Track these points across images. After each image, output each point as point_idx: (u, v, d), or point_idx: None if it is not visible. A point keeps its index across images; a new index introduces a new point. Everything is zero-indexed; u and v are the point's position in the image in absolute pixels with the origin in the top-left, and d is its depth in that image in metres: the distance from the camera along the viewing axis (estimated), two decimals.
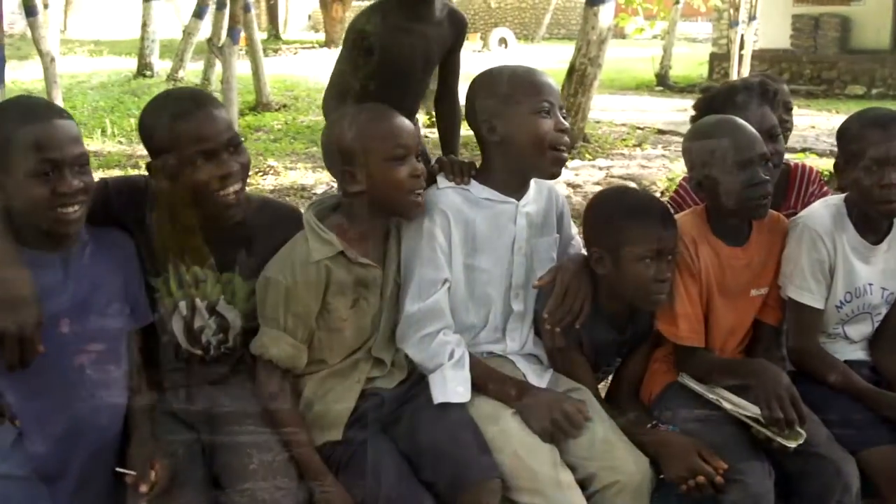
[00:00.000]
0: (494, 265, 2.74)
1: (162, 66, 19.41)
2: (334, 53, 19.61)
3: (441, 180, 2.76)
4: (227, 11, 12.46)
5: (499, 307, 2.77)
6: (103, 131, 12.50)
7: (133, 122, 12.69)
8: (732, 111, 3.04)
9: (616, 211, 2.69)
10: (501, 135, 2.67)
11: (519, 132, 2.65)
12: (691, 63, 21.86)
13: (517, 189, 2.76)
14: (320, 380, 2.60)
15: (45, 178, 2.23)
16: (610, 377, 3.02)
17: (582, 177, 9.67)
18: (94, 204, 2.38)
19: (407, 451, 2.52)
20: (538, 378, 2.73)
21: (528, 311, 2.81)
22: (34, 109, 2.29)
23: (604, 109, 14.93)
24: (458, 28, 3.28)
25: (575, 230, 3.03)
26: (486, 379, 2.63)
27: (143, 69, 19.31)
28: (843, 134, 2.90)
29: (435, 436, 2.48)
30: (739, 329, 2.89)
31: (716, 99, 3.22)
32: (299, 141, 12.28)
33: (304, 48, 27.65)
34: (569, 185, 9.31)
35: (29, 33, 11.07)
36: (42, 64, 11.51)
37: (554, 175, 2.73)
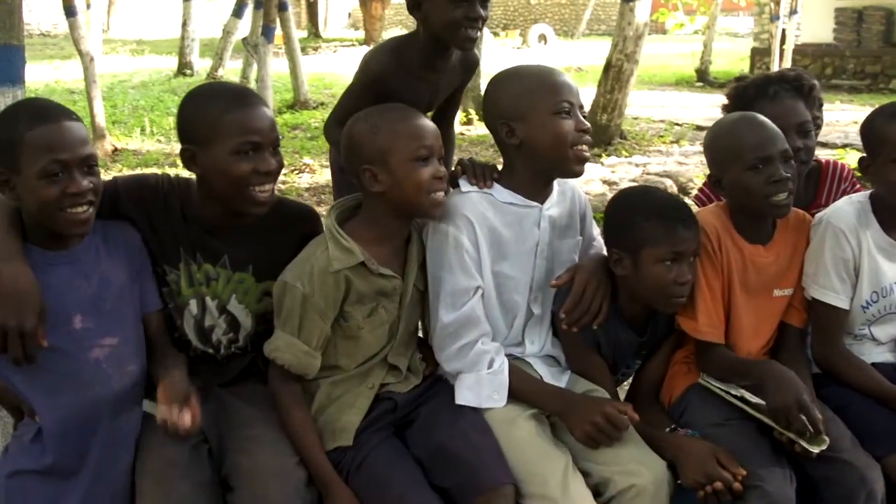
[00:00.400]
0: (520, 271, 2.70)
1: (202, 65, 19.59)
2: None
3: (463, 184, 2.71)
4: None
5: (523, 312, 2.74)
6: (142, 130, 12.61)
7: (171, 121, 12.83)
8: (764, 102, 3.00)
9: (636, 211, 2.64)
10: (521, 137, 2.62)
11: (539, 134, 2.60)
12: (733, 58, 21.65)
13: (540, 192, 2.72)
14: (333, 384, 2.57)
15: (54, 178, 2.25)
16: (630, 379, 2.97)
17: (618, 174, 9.60)
18: (103, 202, 2.39)
19: (419, 455, 2.49)
20: (556, 380, 2.69)
21: (547, 313, 2.77)
22: (44, 111, 2.30)
23: (642, 106, 14.85)
24: (469, 70, 3.20)
25: (597, 231, 2.98)
26: (527, 388, 2.60)
27: (184, 68, 19.50)
28: (867, 129, 2.84)
29: (448, 439, 2.44)
30: (763, 330, 2.82)
31: (748, 90, 3.15)
32: None
33: (343, 46, 27.73)
34: (605, 181, 9.24)
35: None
36: (82, 63, 11.65)
37: (577, 174, 2.68)
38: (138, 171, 9.46)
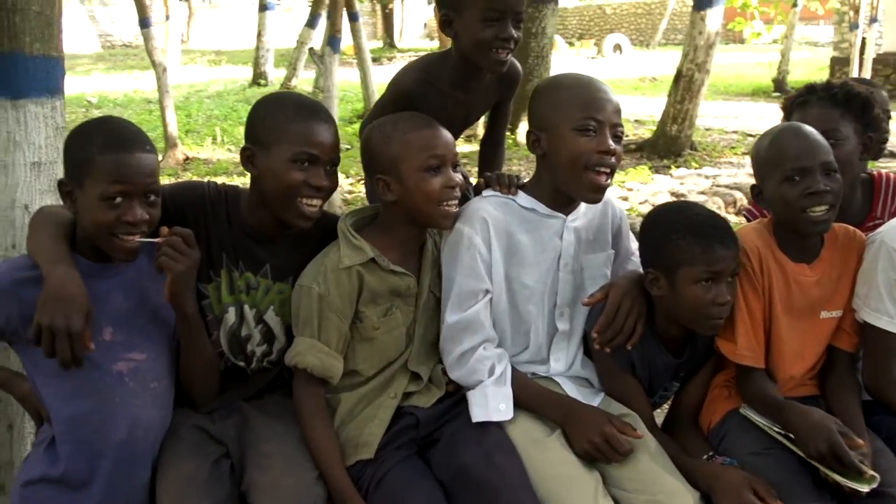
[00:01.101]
0: (536, 281, 2.63)
1: (276, 75, 19.82)
2: None
3: (487, 191, 2.68)
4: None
5: (541, 326, 2.66)
6: (214, 139, 12.75)
7: (243, 130, 12.92)
8: (798, 111, 2.96)
9: (672, 229, 2.52)
10: (544, 148, 2.57)
11: (559, 149, 2.53)
12: (811, 68, 21.17)
13: (565, 203, 2.64)
14: (356, 397, 2.53)
15: (114, 204, 2.29)
16: (668, 402, 2.85)
17: (687, 185, 9.43)
18: None
19: (442, 477, 2.42)
20: (585, 401, 2.59)
21: (577, 330, 2.69)
22: (120, 137, 2.34)
23: (716, 116, 14.59)
24: (510, 84, 3.08)
25: (636, 245, 2.88)
26: (529, 395, 2.54)
27: (258, 78, 19.76)
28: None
29: (471, 460, 2.37)
30: (808, 353, 2.69)
31: (792, 100, 3.10)
32: (473, 142, 12.33)
33: (418, 56, 27.71)
34: (672, 193, 9.08)
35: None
36: (155, 74, 11.84)
37: (592, 200, 2.59)
38: (207, 179, 9.56)
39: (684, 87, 10.65)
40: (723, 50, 27.40)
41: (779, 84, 18.61)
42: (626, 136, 12.42)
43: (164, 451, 2.43)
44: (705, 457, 2.55)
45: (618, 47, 27.35)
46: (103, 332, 2.36)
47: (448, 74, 2.91)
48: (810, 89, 3.03)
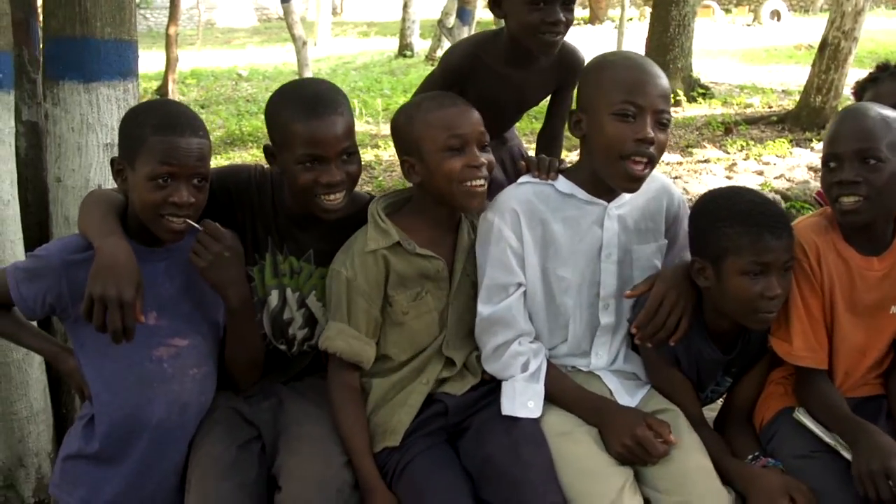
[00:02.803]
0: (573, 272, 2.53)
1: (422, 46, 19.93)
2: (598, 30, 19.39)
3: (524, 177, 2.59)
4: None
5: (581, 319, 2.56)
6: (353, 111, 12.90)
7: (382, 102, 13.10)
8: (871, 90, 2.89)
9: (721, 216, 2.37)
10: (584, 131, 2.47)
11: (597, 133, 2.41)
12: None
13: (608, 189, 2.52)
14: (388, 383, 2.51)
15: (161, 185, 2.32)
16: (721, 398, 2.72)
17: None
18: None
19: (469, 466, 2.38)
20: (628, 395, 2.51)
21: (623, 324, 2.58)
22: (174, 121, 2.36)
23: None
24: (568, 71, 2.94)
25: None
26: (564, 394, 2.46)
27: (404, 49, 19.89)
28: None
29: (497, 451, 2.32)
30: (872, 350, 2.51)
31: (872, 74, 3.01)
32: (539, 120, 12.22)
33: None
34: (810, 168, 8.71)
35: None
36: (295, 47, 12.09)
37: (627, 190, 2.47)
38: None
39: (830, 55, 10.16)
40: (889, 15, 26.20)
41: None
42: (770, 107, 12.05)
43: (199, 433, 2.48)
44: (750, 457, 2.43)
45: (776, 13, 26.28)
46: (147, 316, 2.39)
47: (501, 53, 2.84)
48: (883, 67, 2.93)
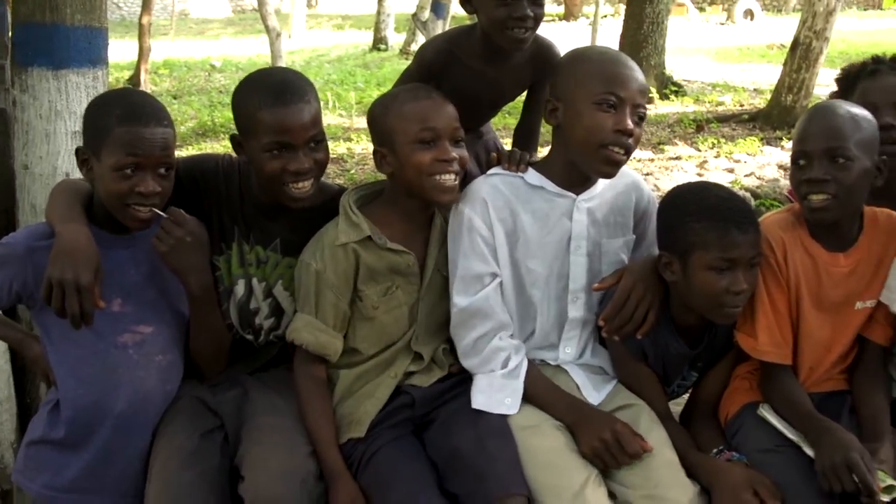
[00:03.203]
0: (542, 264, 2.53)
1: (396, 40, 19.90)
2: (573, 26, 19.40)
3: (494, 169, 2.60)
4: None
5: (549, 312, 2.56)
6: (326, 104, 12.88)
7: (355, 95, 13.07)
8: (866, 80, 2.80)
9: (688, 210, 2.38)
10: (560, 119, 2.47)
11: (575, 122, 2.42)
12: None
13: (578, 182, 2.53)
14: (355, 374, 2.51)
15: (127, 174, 2.32)
16: (687, 393, 2.74)
17: None
18: None
19: (435, 457, 2.38)
20: (595, 390, 2.52)
21: (591, 317, 2.58)
22: (139, 111, 2.35)
23: None
24: (544, 66, 2.87)
25: None
26: (540, 393, 2.45)
27: (378, 43, 19.86)
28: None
29: (463, 443, 2.32)
30: (837, 345, 2.54)
31: (854, 68, 2.92)
32: (513, 116, 12.22)
33: (543, 21, 27.41)
34: (780, 167, 8.78)
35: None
36: (268, 39, 12.03)
37: (604, 175, 2.48)
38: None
39: (801, 55, 10.24)
40: (860, 16, 26.44)
41: None
42: (741, 105, 12.13)
43: (163, 421, 2.47)
44: (715, 451, 2.45)
45: (749, 12, 26.44)
46: (112, 303, 2.39)
47: (475, 48, 2.82)
48: (876, 59, 2.86)
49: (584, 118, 2.39)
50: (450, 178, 2.43)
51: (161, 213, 2.37)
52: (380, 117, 2.51)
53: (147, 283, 2.49)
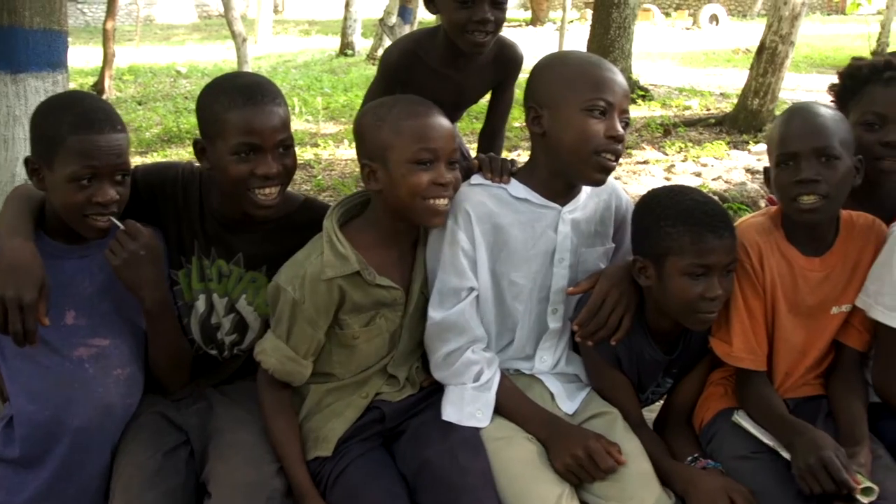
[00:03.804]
0: (526, 277, 2.46)
1: (363, 45, 19.87)
2: (539, 32, 19.48)
3: (477, 177, 2.50)
4: None
5: (528, 323, 2.51)
6: (293, 109, 12.80)
7: (322, 101, 13.00)
8: (877, 86, 2.60)
9: (663, 215, 2.35)
10: (546, 128, 2.38)
11: (563, 129, 2.34)
12: None
13: (562, 192, 2.47)
14: (325, 390, 2.43)
15: (84, 185, 2.24)
16: (662, 400, 2.70)
17: (764, 162, 9.03)
18: None
19: (405, 470, 2.33)
20: (568, 399, 2.48)
21: (568, 328, 2.52)
22: (91, 117, 2.27)
23: (808, 90, 14.05)
24: (507, 67, 2.89)
25: None
26: (514, 407, 2.40)
27: (345, 48, 19.81)
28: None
29: (434, 455, 2.27)
30: (813, 350, 2.51)
31: (862, 70, 2.68)
32: (479, 120, 12.18)
33: (510, 27, 27.51)
34: (748, 170, 8.79)
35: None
36: (235, 44, 11.92)
37: (596, 183, 2.40)
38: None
39: (767, 59, 10.26)
40: (823, 21, 26.69)
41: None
42: (708, 109, 12.17)
43: (124, 438, 2.39)
44: (690, 458, 2.41)
45: (714, 18, 26.64)
46: (66, 315, 2.32)
47: (438, 50, 2.77)
48: (886, 64, 2.64)
49: (573, 125, 2.32)
50: (443, 203, 2.34)
51: (118, 224, 2.29)
52: (372, 129, 2.35)
53: (102, 294, 2.41)
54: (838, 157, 2.36)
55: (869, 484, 2.17)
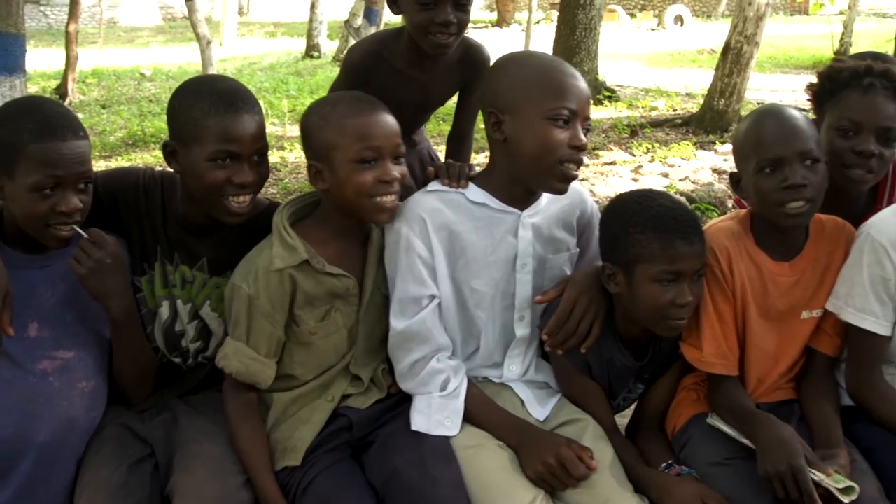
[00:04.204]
0: (486, 284, 2.42)
1: (329, 47, 19.78)
2: (505, 33, 19.50)
3: (433, 184, 2.48)
4: None
5: (492, 331, 2.47)
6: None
7: (287, 103, 12.92)
8: (855, 92, 2.55)
9: (632, 221, 2.31)
10: (507, 134, 2.33)
11: (525, 137, 2.29)
12: (878, 39, 20.42)
13: (522, 197, 2.43)
14: (290, 398, 2.39)
15: (46, 194, 2.19)
16: (634, 406, 2.68)
17: (731, 162, 9.08)
18: None
19: (374, 481, 2.29)
20: (539, 405, 2.44)
21: (536, 335, 2.49)
22: (52, 124, 2.21)
23: (773, 90, 14.17)
24: (473, 69, 2.85)
25: None
26: (483, 415, 2.36)
27: (311, 50, 19.72)
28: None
29: (404, 465, 2.22)
30: (785, 356, 2.50)
31: (842, 73, 2.61)
32: (447, 122, 12.16)
33: (475, 28, 27.48)
34: (715, 170, 8.81)
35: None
36: (199, 47, 11.82)
37: (558, 192, 2.37)
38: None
39: (732, 59, 10.28)
40: (787, 21, 26.89)
41: (840, 56, 18.05)
42: (674, 110, 12.21)
43: (88, 452, 2.33)
44: (664, 465, 2.39)
45: (679, 19, 26.77)
46: (28, 327, 2.27)
47: (403, 51, 2.74)
48: (866, 69, 2.57)
49: (536, 134, 2.27)
50: (390, 199, 2.32)
51: (81, 232, 2.24)
52: (316, 129, 2.35)
53: (65, 305, 2.35)
54: (819, 160, 2.35)
55: (849, 483, 2.15)
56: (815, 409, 2.44)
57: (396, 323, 2.36)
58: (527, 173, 2.36)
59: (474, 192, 2.43)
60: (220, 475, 2.25)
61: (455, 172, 2.47)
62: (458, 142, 2.97)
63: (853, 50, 17.98)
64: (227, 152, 2.29)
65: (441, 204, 2.41)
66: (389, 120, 2.35)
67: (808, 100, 2.72)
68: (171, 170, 2.43)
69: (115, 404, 2.44)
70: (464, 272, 2.41)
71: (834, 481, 2.15)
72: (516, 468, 2.24)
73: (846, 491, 2.14)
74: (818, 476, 2.16)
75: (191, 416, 2.45)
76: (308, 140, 2.39)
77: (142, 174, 2.51)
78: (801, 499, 2.13)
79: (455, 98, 3.03)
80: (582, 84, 2.33)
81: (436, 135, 8.29)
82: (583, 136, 2.28)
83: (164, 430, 2.42)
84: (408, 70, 2.75)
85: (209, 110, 2.29)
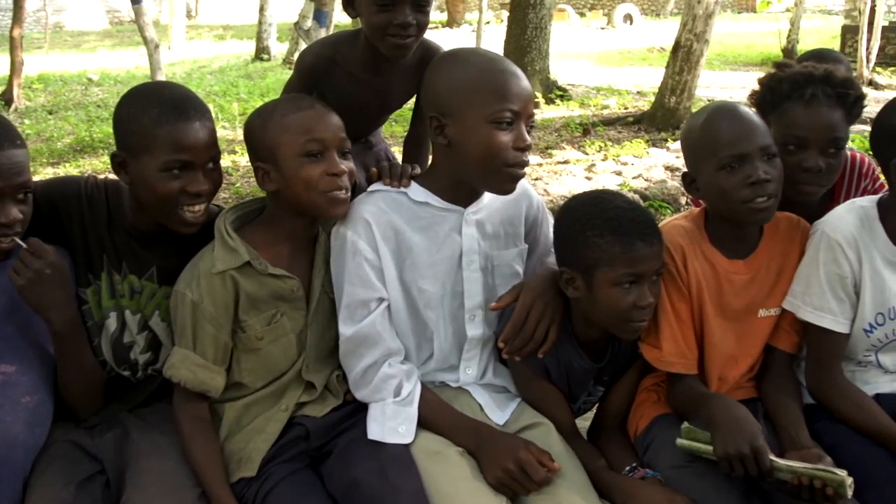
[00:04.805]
0: (434, 283, 2.39)
1: (279, 50, 19.68)
2: (456, 33, 19.47)
3: (375, 185, 2.45)
4: None
5: (446, 332, 2.44)
6: None
7: (238, 106, 12.80)
8: (797, 104, 2.50)
9: (588, 225, 2.28)
10: (450, 138, 2.29)
11: (469, 142, 2.26)
12: (824, 36, 20.80)
13: (464, 195, 2.40)
14: (242, 407, 2.35)
15: None
16: (595, 408, 2.66)
17: (682, 160, 9.16)
18: None
19: (333, 491, 2.24)
20: (499, 409, 2.41)
21: (491, 335, 2.46)
22: None
23: (723, 87, 14.32)
24: None
25: None
26: (440, 419, 2.32)
27: (261, 53, 19.60)
28: (882, 124, 2.45)
29: (363, 475, 2.18)
30: (744, 355, 2.49)
31: (783, 84, 2.56)
32: (399, 124, 12.10)
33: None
34: (667, 168, 8.85)
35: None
36: (147, 51, 11.66)
37: (505, 192, 2.35)
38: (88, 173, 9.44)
39: (683, 57, 10.35)
40: (735, 19, 27.20)
41: (787, 53, 18.13)
42: (626, 108, 12.27)
43: (35, 470, 2.24)
44: (627, 468, 2.36)
45: (628, 17, 26.94)
46: None
47: (358, 54, 2.69)
48: (807, 78, 2.52)
49: (480, 137, 2.24)
50: (341, 193, 2.29)
51: (21, 243, 2.17)
52: (259, 131, 2.33)
53: (5, 318, 2.27)
54: (776, 155, 2.35)
55: (842, 474, 2.10)
56: (779, 408, 2.42)
57: (345, 329, 2.33)
58: (472, 176, 2.33)
59: (416, 191, 2.40)
60: (173, 490, 2.19)
61: (397, 172, 2.45)
62: (416, 146, 2.92)
63: (800, 47, 18.24)
64: (180, 161, 2.24)
65: (385, 205, 2.38)
66: (332, 116, 2.33)
67: (753, 110, 2.68)
68: (118, 179, 2.37)
69: (63, 420, 2.36)
70: (411, 273, 2.38)
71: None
72: (477, 475, 2.20)
73: (841, 486, 2.09)
74: (800, 465, 2.13)
75: (142, 431, 2.38)
76: (252, 142, 2.36)
77: (83, 182, 2.45)
78: (761, 477, 2.13)
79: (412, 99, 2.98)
80: (524, 82, 2.30)
81: (388, 136, 8.24)
82: (527, 137, 2.26)
83: (114, 445, 2.35)
84: (362, 74, 2.70)
85: (159, 119, 2.23)
